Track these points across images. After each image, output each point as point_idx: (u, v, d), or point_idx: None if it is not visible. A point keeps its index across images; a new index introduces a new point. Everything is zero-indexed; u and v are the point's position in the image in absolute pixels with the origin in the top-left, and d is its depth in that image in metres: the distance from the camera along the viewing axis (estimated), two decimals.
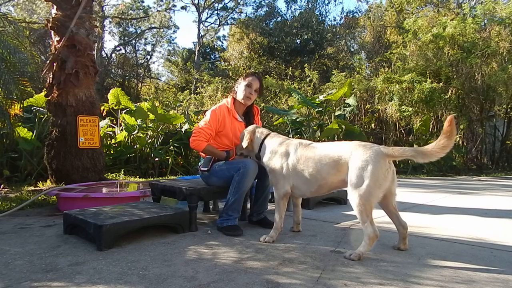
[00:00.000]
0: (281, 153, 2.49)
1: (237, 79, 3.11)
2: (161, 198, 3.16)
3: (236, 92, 2.98)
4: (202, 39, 24.15)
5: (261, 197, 2.97)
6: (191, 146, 2.85)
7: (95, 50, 7.03)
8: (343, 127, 8.65)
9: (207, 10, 24.32)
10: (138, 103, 8.05)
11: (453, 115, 2.08)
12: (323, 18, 21.32)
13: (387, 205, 2.28)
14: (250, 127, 2.80)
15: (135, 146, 7.04)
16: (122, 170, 6.13)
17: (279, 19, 21.26)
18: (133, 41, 25.06)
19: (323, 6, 21.81)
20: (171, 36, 27.61)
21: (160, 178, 6.39)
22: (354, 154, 2.15)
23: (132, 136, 7.03)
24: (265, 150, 2.61)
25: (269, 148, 2.58)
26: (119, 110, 7.30)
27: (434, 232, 2.82)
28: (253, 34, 19.39)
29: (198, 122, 8.92)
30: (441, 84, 10.56)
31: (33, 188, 4.59)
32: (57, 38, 4.62)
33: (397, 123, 11.67)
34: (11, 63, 4.07)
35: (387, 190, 2.15)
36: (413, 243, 2.45)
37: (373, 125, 12.15)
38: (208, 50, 26.59)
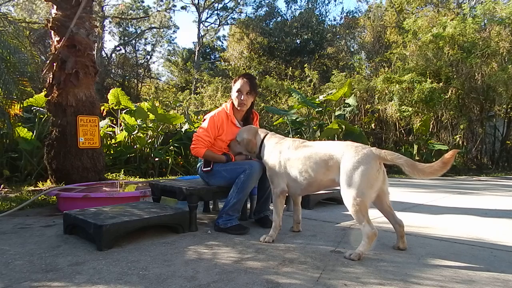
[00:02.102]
0: (276, 151, 2.56)
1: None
2: (161, 198, 3.16)
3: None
4: (202, 39, 24.15)
5: (263, 197, 2.98)
6: (192, 154, 2.91)
7: (95, 50, 7.02)
8: (343, 127, 8.65)
9: (207, 10, 24.33)
10: (138, 103, 8.05)
11: (458, 151, 2.11)
12: (323, 18, 21.34)
13: (382, 204, 2.30)
14: (250, 129, 2.80)
15: (135, 146, 7.04)
16: (122, 170, 6.13)
17: (279, 19, 21.27)
18: (133, 41, 25.07)
19: (323, 6, 21.83)
20: (171, 36, 27.64)
21: (160, 178, 6.39)
22: (346, 155, 2.17)
23: (132, 136, 7.02)
24: (264, 149, 2.67)
25: (267, 147, 2.65)
26: (119, 110, 7.29)
27: (434, 232, 2.82)
28: (253, 34, 19.39)
29: (198, 122, 8.89)
30: (441, 84, 10.57)
31: (33, 188, 4.58)
32: (57, 38, 4.62)
33: (397, 123, 11.68)
34: (11, 63, 4.07)
35: (380, 190, 2.18)
36: (413, 243, 2.45)
37: (373, 125, 12.15)
38: (208, 50, 26.59)
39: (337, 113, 9.65)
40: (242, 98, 2.85)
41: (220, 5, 24.52)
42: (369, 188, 2.09)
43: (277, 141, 2.63)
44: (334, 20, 26.62)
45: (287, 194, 2.61)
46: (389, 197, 2.31)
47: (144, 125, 7.13)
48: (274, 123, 10.58)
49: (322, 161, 2.28)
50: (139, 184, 4.53)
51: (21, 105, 4.62)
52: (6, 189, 4.47)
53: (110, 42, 62.75)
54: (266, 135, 2.74)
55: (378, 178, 2.12)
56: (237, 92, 2.87)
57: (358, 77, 12.79)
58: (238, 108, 2.92)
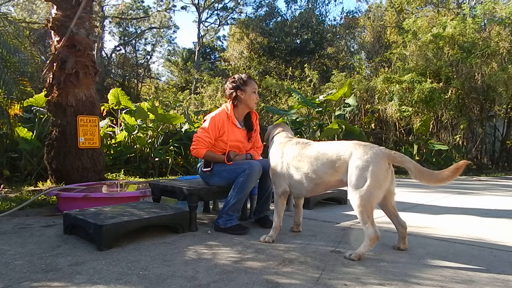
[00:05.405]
0: (279, 151, 2.52)
1: (232, 79, 2.94)
2: (161, 198, 3.16)
3: (241, 99, 2.89)
4: (202, 39, 24.14)
5: (263, 197, 2.97)
6: (192, 154, 2.90)
7: (95, 50, 7.02)
8: (343, 127, 8.65)
9: (207, 10, 24.32)
10: (138, 103, 8.05)
11: (468, 162, 2.07)
12: (323, 18, 21.32)
13: (386, 204, 2.27)
14: (276, 124, 2.91)
15: (135, 146, 7.04)
16: (122, 170, 6.13)
17: (279, 19, 21.25)
18: (133, 41, 25.05)
19: (323, 6, 21.81)
20: (171, 36, 27.60)
21: (160, 178, 6.39)
22: (354, 154, 2.13)
23: (132, 136, 7.02)
24: (270, 147, 2.68)
25: (272, 146, 2.65)
26: (119, 110, 7.29)
27: (434, 232, 2.82)
28: (253, 34, 19.37)
29: (198, 123, 8.88)
30: (441, 84, 10.57)
31: (33, 188, 4.58)
32: (57, 38, 4.61)
33: (397, 123, 11.67)
34: (11, 63, 4.07)
35: (387, 190, 2.15)
36: (413, 243, 2.45)
37: (373, 125, 12.15)
38: (208, 50, 26.57)
39: (337, 113, 9.64)
40: (257, 98, 2.96)
41: (220, 5, 24.53)
42: (378, 188, 2.06)
43: (281, 141, 2.60)
44: (334, 20, 26.65)
45: (290, 195, 2.58)
46: (395, 197, 2.29)
47: (144, 125, 7.13)
48: (274, 123, 10.57)
49: (330, 161, 2.22)
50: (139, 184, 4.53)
51: (21, 105, 4.61)
52: (6, 189, 4.47)
53: (110, 42, 62.89)
54: (279, 132, 2.73)
55: (386, 178, 2.09)
56: (253, 92, 2.91)
57: (358, 77, 12.79)
58: (252, 108, 2.98)
